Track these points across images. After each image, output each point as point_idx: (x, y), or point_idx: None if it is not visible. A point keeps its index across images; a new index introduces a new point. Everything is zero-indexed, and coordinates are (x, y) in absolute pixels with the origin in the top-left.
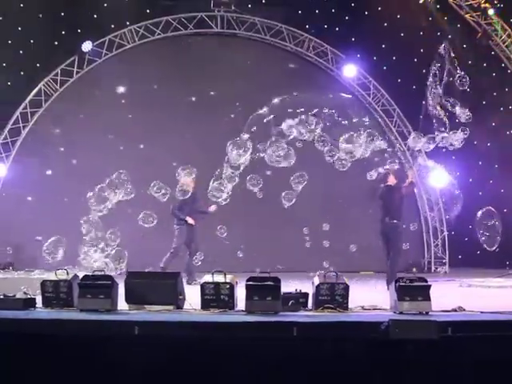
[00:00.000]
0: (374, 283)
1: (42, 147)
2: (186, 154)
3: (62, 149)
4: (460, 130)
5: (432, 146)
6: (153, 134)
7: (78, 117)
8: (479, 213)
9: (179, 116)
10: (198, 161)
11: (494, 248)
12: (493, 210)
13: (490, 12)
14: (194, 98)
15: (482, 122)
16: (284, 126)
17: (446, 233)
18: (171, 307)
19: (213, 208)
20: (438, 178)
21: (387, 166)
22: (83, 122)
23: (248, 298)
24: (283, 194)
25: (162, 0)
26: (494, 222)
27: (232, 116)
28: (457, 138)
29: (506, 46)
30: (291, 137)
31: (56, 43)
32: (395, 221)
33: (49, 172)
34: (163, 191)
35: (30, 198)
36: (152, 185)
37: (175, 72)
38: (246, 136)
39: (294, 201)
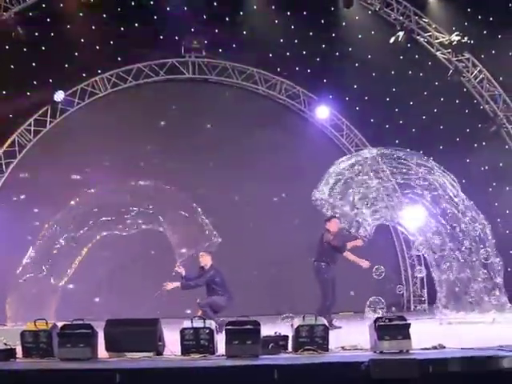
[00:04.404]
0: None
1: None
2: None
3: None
4: None
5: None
6: (129, 182)
7: (52, 166)
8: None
9: (154, 163)
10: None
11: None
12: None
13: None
14: (167, 145)
15: (456, 158)
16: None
17: (424, 271)
18: (151, 354)
19: None
20: (414, 216)
21: (337, 215)
22: (58, 172)
23: (228, 342)
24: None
25: (133, 47)
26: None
27: (211, 164)
28: None
29: (478, 82)
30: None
31: (28, 94)
32: (315, 262)
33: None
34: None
35: None
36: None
37: (148, 118)
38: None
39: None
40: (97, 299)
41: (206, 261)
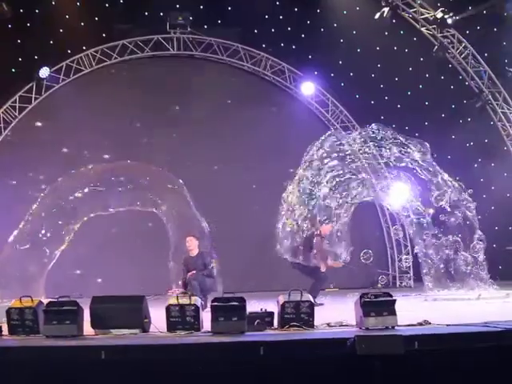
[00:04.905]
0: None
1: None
2: None
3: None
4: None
5: None
6: (113, 158)
7: (37, 143)
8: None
9: (139, 139)
10: None
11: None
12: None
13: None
14: (152, 121)
15: (441, 134)
16: None
17: (409, 247)
18: (137, 331)
19: None
20: (399, 194)
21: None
22: (43, 148)
23: (213, 318)
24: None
25: (118, 24)
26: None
27: (196, 140)
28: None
29: (463, 58)
30: None
31: (13, 70)
32: (296, 261)
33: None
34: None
35: None
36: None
37: (133, 95)
38: None
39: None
40: (99, 280)
41: (193, 246)
